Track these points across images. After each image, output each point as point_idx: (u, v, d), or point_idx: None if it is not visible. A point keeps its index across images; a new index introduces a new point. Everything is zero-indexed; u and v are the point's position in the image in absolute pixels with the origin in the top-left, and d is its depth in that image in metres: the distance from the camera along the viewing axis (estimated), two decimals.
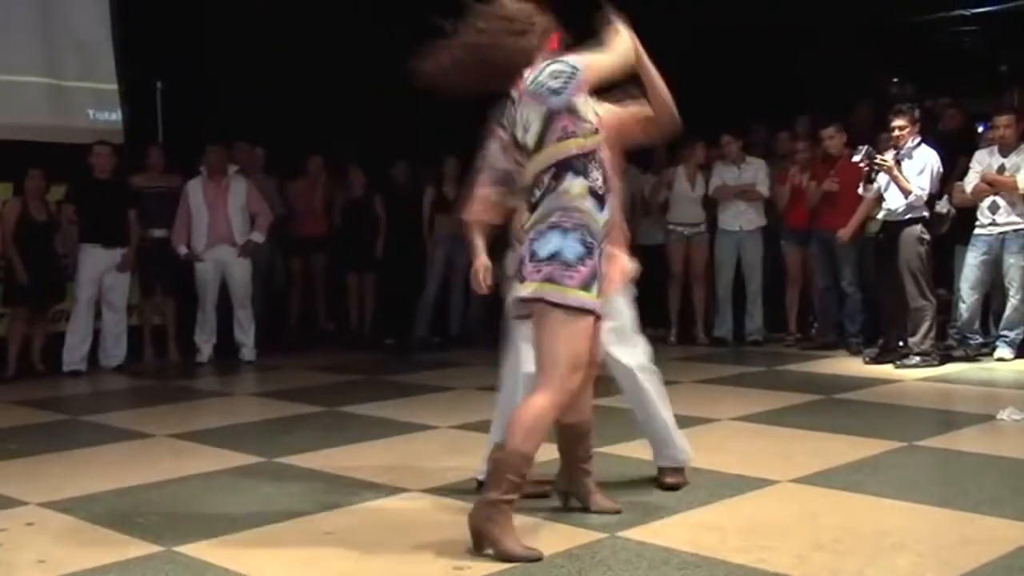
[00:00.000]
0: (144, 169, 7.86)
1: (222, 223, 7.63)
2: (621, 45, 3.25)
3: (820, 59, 9.32)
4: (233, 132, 8.17)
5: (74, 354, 7.29)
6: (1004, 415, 5.07)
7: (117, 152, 7.58)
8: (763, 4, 9.27)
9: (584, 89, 3.16)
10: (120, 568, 3.11)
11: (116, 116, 8.44)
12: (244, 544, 3.33)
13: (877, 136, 7.07)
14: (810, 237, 7.74)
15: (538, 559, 3.03)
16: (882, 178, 6.72)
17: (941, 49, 10.05)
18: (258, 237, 7.77)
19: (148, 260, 7.63)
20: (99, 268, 7.35)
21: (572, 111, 3.11)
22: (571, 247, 3.08)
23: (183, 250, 7.62)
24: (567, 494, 3.60)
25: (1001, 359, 6.85)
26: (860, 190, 6.90)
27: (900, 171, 6.60)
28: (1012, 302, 6.89)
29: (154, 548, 3.28)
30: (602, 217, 3.17)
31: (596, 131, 3.18)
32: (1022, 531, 3.28)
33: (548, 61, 3.17)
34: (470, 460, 4.31)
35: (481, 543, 3.08)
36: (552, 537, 3.29)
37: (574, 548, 3.19)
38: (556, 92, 3.09)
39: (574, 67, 3.12)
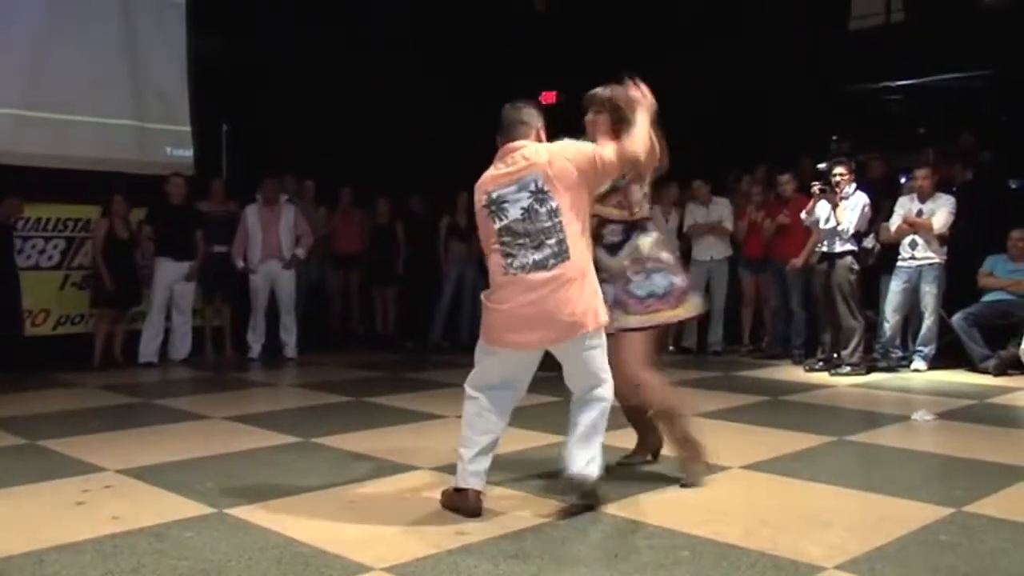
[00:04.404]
0: (209, 196, 7.90)
1: (273, 242, 7.67)
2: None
3: (776, 118, 9.42)
4: (284, 167, 8.22)
5: (148, 348, 7.32)
6: (917, 416, 5.07)
7: (188, 182, 7.63)
8: (736, 74, 9.38)
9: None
10: (180, 526, 3.11)
11: (188, 152, 8.49)
12: (282, 509, 3.33)
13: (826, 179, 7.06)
14: (764, 265, 7.77)
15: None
16: (820, 210, 6.74)
17: (872, 113, 10.13)
18: (300, 253, 7.80)
19: (210, 272, 7.65)
20: (170, 277, 7.40)
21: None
22: None
23: (240, 264, 7.64)
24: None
25: (917, 370, 6.86)
26: (803, 215, 6.93)
27: (840, 208, 6.62)
28: (926, 323, 6.91)
29: (208, 510, 3.29)
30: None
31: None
32: (930, 511, 3.28)
33: None
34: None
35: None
36: (538, 508, 3.29)
37: (557, 520, 3.18)
38: None
39: None
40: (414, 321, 8.69)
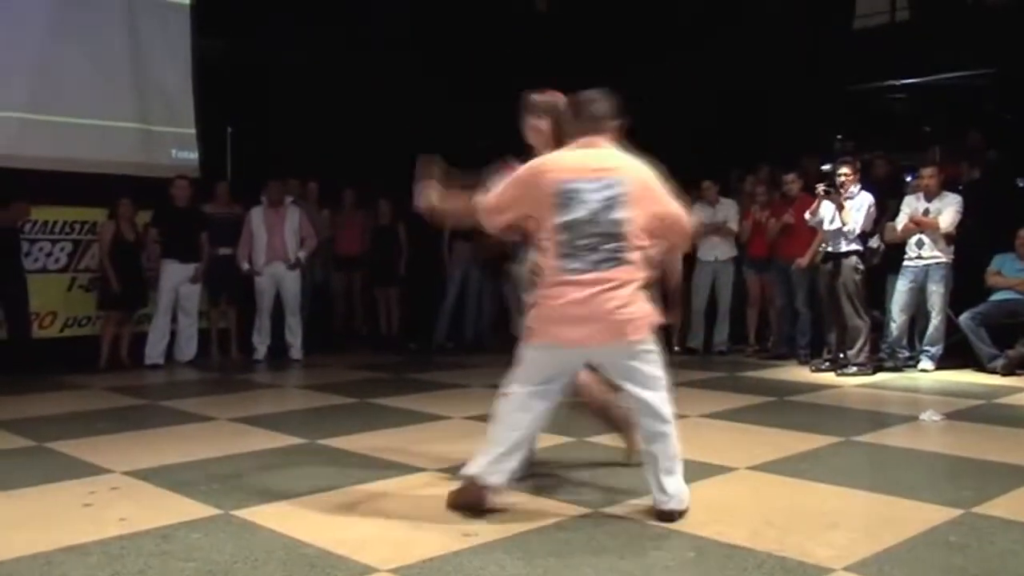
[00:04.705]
0: (214, 199, 7.91)
1: (278, 244, 7.67)
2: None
3: (780, 118, 9.41)
4: (288, 169, 8.23)
5: (154, 350, 7.33)
6: (925, 416, 5.05)
7: (193, 184, 7.64)
8: (738, 74, 9.38)
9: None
10: (187, 527, 3.11)
11: (193, 155, 8.50)
12: (288, 510, 3.33)
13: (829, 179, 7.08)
14: (768, 265, 7.76)
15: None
16: (824, 211, 6.73)
17: (876, 112, 10.11)
18: (302, 255, 7.79)
19: (216, 274, 7.65)
20: (176, 279, 7.40)
21: None
22: None
23: (245, 266, 7.64)
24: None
25: (924, 370, 6.83)
26: (807, 216, 6.92)
27: (846, 208, 6.62)
28: (933, 322, 6.88)
29: (215, 511, 3.29)
30: None
31: None
32: (937, 512, 3.26)
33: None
34: (478, 445, 4.31)
35: None
36: (545, 511, 3.28)
37: (564, 520, 3.18)
38: None
39: None
40: (417, 322, 8.67)
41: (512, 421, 3.21)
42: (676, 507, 3.18)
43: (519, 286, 3.59)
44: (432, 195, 3.36)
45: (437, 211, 3.38)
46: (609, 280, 3.07)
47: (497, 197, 3.22)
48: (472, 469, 3.23)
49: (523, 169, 3.21)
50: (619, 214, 3.08)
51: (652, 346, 3.17)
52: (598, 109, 3.22)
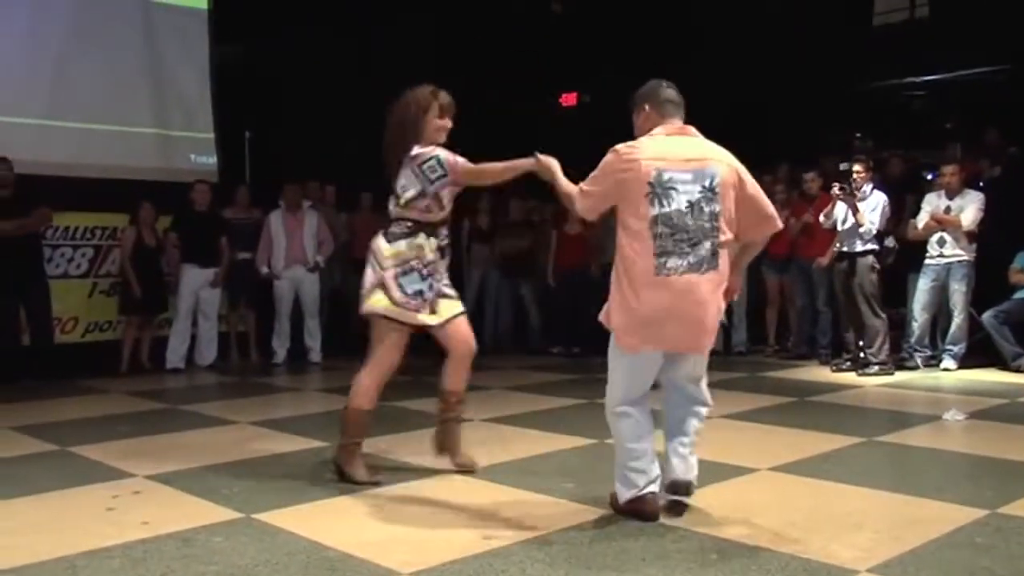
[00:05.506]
0: (233, 203, 7.95)
1: (297, 248, 7.70)
2: (501, 169, 3.50)
3: (799, 117, 9.37)
4: (306, 172, 8.26)
5: (175, 354, 7.38)
6: (948, 416, 5.00)
7: (212, 189, 7.69)
8: (756, 73, 9.33)
9: (449, 186, 3.52)
10: (208, 531, 3.12)
11: (212, 160, 8.56)
12: (309, 513, 3.34)
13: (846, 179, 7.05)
14: (788, 264, 7.71)
15: (376, 484, 3.57)
16: (838, 211, 6.69)
17: (896, 110, 10.04)
18: (320, 259, 7.83)
19: (235, 278, 7.70)
20: (196, 284, 7.45)
21: (436, 197, 3.57)
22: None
23: (264, 270, 7.68)
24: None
25: (946, 369, 6.77)
26: (821, 218, 6.88)
27: (859, 209, 6.59)
28: (956, 321, 6.81)
29: (236, 515, 3.30)
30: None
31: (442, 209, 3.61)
32: (962, 513, 3.22)
33: (433, 152, 3.50)
34: (500, 448, 4.31)
35: (341, 473, 3.65)
36: (565, 513, 3.27)
37: (584, 523, 3.17)
38: (431, 182, 3.51)
39: (444, 169, 3.49)
40: None
41: (641, 433, 3.18)
42: (694, 479, 3.23)
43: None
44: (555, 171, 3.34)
45: (557, 183, 3.32)
46: (706, 284, 3.01)
47: (591, 186, 3.12)
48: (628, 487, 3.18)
49: (613, 156, 3.07)
50: (714, 207, 3.00)
51: None
52: (677, 96, 3.16)
